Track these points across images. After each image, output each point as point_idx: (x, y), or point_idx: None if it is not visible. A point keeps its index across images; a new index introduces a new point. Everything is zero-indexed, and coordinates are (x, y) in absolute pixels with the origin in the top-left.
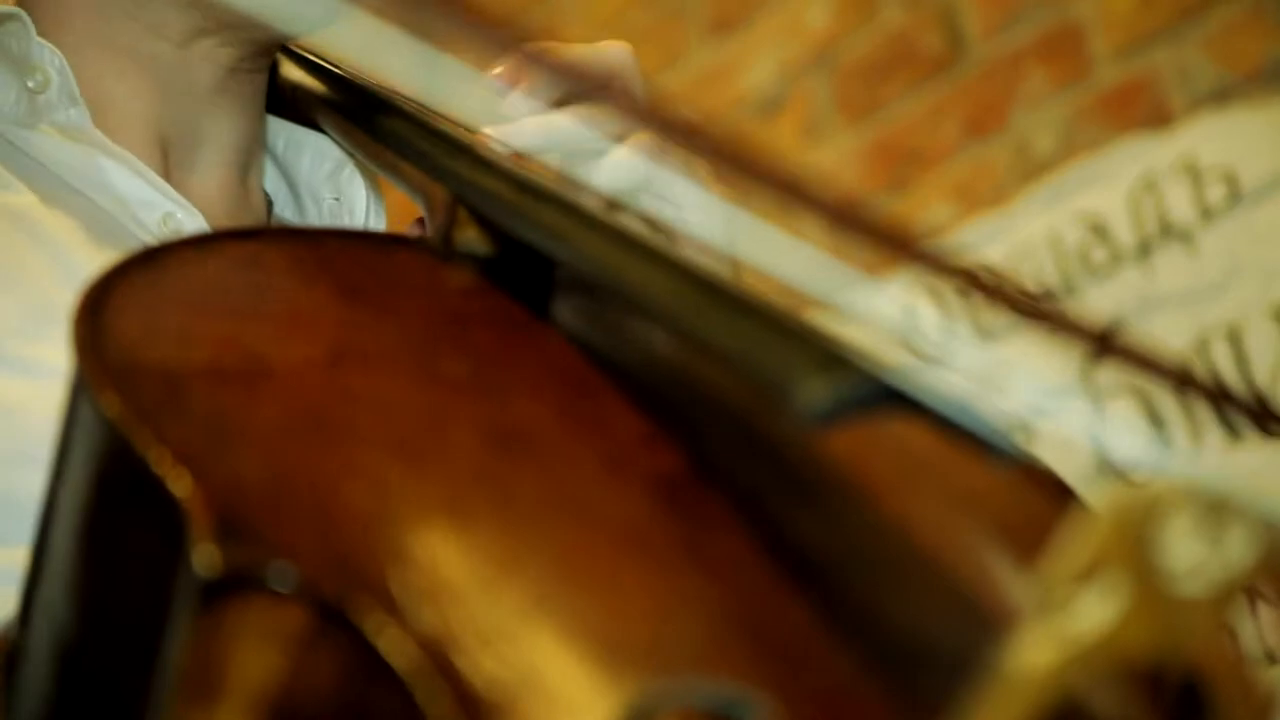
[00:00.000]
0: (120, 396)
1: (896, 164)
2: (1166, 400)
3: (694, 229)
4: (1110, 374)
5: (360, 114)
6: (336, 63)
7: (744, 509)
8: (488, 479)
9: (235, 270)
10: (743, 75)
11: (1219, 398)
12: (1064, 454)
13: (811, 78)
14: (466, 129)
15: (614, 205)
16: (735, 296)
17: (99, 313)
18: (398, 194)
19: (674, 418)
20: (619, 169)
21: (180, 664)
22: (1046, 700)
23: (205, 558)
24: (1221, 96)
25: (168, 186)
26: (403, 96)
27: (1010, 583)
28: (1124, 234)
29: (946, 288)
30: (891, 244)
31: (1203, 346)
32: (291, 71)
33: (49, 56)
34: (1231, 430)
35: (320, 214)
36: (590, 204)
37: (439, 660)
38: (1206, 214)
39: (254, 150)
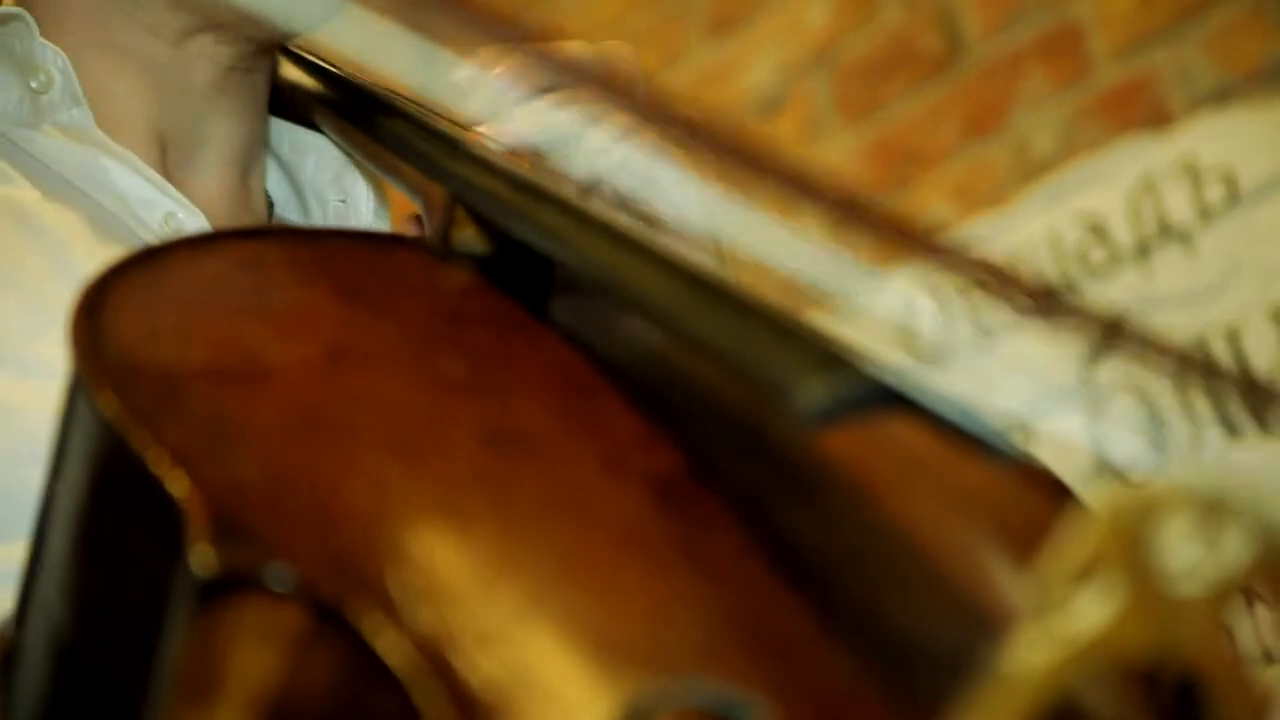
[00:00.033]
0: (118, 396)
1: (896, 164)
2: (1166, 400)
3: (685, 220)
4: (1110, 373)
5: (358, 114)
6: (334, 63)
7: (742, 509)
8: (486, 479)
9: (234, 270)
10: (743, 75)
11: (1233, 384)
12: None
13: (811, 77)
14: (463, 127)
15: (610, 196)
16: (733, 297)
17: (97, 312)
18: (398, 193)
19: (672, 418)
20: (611, 157)
21: (177, 664)
22: (1043, 700)
23: (202, 558)
24: (1221, 97)
25: (169, 186)
26: (400, 96)
27: (1008, 582)
28: (1123, 234)
29: (947, 286)
30: (904, 237)
31: (1202, 347)
32: (289, 71)
33: (52, 57)
34: (1231, 430)
35: (325, 216)
36: (591, 206)
37: (436, 661)
38: (1205, 214)
39: (255, 151)
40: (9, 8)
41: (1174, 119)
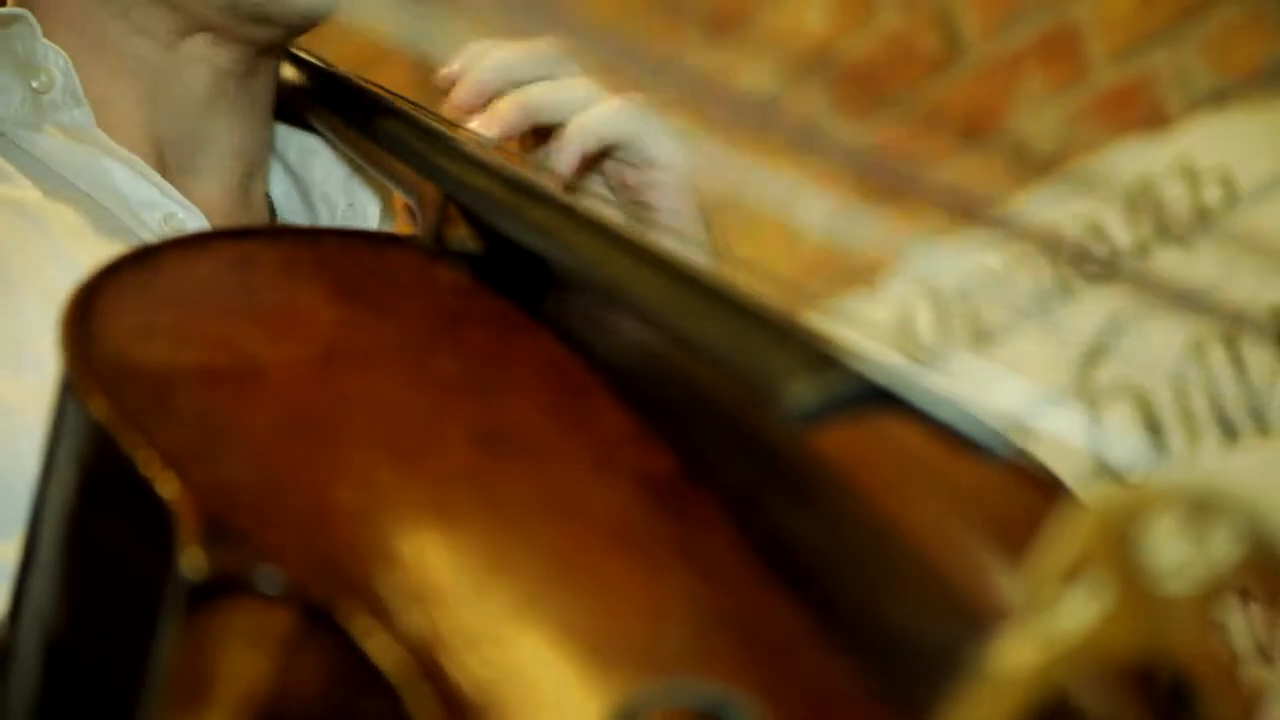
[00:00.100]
0: (108, 398)
1: (895, 165)
2: (1163, 403)
3: (666, 191)
4: (1108, 375)
5: (352, 112)
6: (329, 63)
7: (734, 508)
8: (478, 479)
9: (227, 270)
10: (742, 75)
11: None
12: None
13: (810, 78)
14: (454, 125)
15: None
16: (724, 295)
17: (88, 314)
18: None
19: (665, 416)
20: (598, 120)
21: (168, 666)
22: (1033, 699)
23: (193, 561)
24: (1219, 98)
25: (170, 187)
26: (394, 95)
27: (999, 581)
28: (1121, 235)
29: (947, 285)
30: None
31: (1199, 349)
32: (284, 70)
33: (54, 57)
34: (1228, 432)
35: (334, 219)
36: (582, 204)
37: (426, 662)
38: (1203, 216)
39: (259, 157)
40: (12, 9)
41: (1172, 120)
